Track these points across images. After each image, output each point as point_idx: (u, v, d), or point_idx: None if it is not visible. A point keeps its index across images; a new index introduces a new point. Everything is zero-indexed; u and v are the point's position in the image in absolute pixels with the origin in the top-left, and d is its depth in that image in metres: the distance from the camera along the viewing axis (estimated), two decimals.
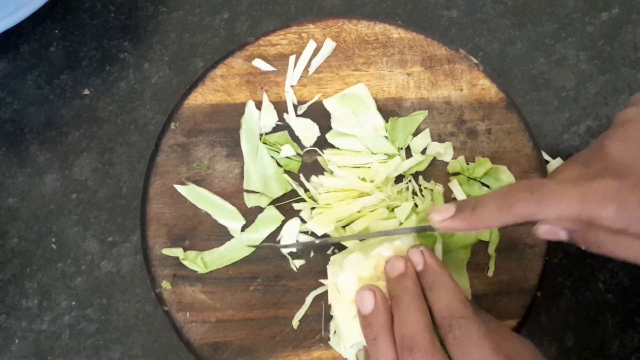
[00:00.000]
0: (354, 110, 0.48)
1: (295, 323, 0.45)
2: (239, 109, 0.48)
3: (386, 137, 0.48)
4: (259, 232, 0.46)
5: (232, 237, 0.47)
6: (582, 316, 0.47)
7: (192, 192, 0.47)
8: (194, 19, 0.53)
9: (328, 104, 0.48)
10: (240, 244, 0.46)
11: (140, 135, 0.51)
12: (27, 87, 0.51)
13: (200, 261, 0.46)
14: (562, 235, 0.37)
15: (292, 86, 0.49)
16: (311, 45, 0.49)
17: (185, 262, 0.45)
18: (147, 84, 0.52)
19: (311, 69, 0.49)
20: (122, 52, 0.52)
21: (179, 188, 0.47)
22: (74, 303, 0.48)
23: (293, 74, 0.49)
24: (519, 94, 0.51)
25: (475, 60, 0.49)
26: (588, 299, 0.48)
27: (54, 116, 0.51)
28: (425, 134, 0.48)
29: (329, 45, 0.49)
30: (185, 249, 0.46)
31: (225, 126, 0.48)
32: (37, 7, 0.47)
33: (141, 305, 0.48)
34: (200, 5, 0.53)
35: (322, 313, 0.45)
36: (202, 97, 0.49)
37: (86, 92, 0.51)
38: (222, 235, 0.47)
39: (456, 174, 0.48)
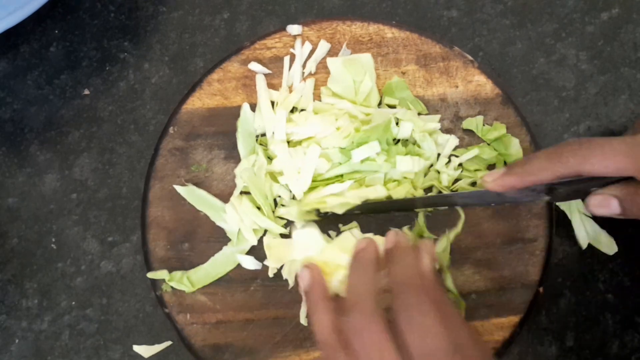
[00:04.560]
0: (353, 76, 0.48)
1: (303, 320, 0.45)
2: (236, 112, 0.48)
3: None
4: (241, 245, 0.46)
5: (230, 239, 0.46)
6: (582, 316, 0.47)
7: (191, 194, 0.47)
8: (194, 19, 0.53)
9: (331, 63, 0.48)
10: (225, 259, 0.46)
11: (140, 135, 0.51)
12: (27, 87, 0.51)
13: (186, 280, 0.45)
14: (614, 206, 0.38)
15: (288, 87, 0.49)
16: (306, 47, 0.49)
17: (171, 283, 0.45)
18: (147, 84, 0.52)
19: (306, 71, 0.49)
20: (122, 52, 0.52)
21: (178, 189, 0.47)
22: (74, 303, 0.48)
23: (289, 76, 0.49)
24: (519, 94, 0.51)
25: (469, 57, 0.49)
26: (588, 299, 0.48)
27: (54, 116, 0.51)
28: (435, 117, 0.48)
29: (323, 47, 0.49)
30: (185, 252, 0.46)
31: (222, 129, 0.48)
32: (37, 7, 0.47)
33: (141, 305, 0.48)
34: (200, 5, 0.53)
35: None
36: (199, 101, 0.49)
37: (86, 92, 0.51)
38: (221, 237, 0.47)
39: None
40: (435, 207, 0.46)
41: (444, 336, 0.33)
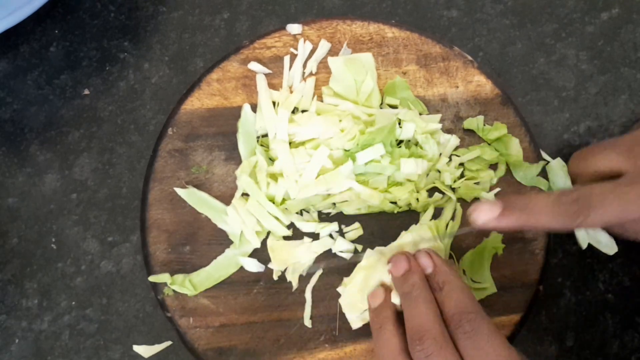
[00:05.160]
0: (354, 76, 0.48)
1: (307, 322, 0.45)
2: (236, 113, 0.48)
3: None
4: (244, 247, 0.46)
5: (233, 242, 0.46)
6: (582, 316, 0.47)
7: (191, 196, 0.47)
8: (194, 19, 0.53)
9: (332, 62, 0.48)
10: (228, 261, 0.46)
11: (140, 135, 0.51)
12: (27, 87, 0.51)
13: (188, 283, 0.45)
14: (599, 229, 0.38)
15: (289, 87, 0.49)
16: (307, 47, 0.49)
17: (173, 287, 0.45)
18: (147, 84, 0.52)
19: (307, 70, 0.49)
20: (122, 52, 0.52)
21: (178, 191, 0.47)
22: (74, 303, 0.48)
23: (289, 76, 0.49)
24: (519, 94, 0.51)
25: (469, 57, 0.49)
26: (588, 299, 0.48)
27: (54, 116, 0.51)
28: (436, 117, 0.48)
29: (323, 46, 0.49)
30: (186, 255, 0.46)
31: (222, 130, 0.48)
32: (37, 7, 0.47)
33: (141, 305, 0.48)
34: (200, 5, 0.53)
35: (325, 314, 0.45)
36: (198, 101, 0.49)
37: (86, 92, 0.51)
38: (222, 239, 0.47)
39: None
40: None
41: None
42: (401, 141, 0.47)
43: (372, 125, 0.46)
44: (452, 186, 0.47)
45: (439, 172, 0.47)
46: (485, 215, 0.37)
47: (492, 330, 0.35)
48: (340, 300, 0.44)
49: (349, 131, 0.46)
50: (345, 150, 0.46)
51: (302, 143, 0.47)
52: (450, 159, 0.47)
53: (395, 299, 0.40)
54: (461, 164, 0.47)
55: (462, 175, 0.48)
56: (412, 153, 0.46)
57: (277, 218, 0.46)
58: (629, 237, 0.38)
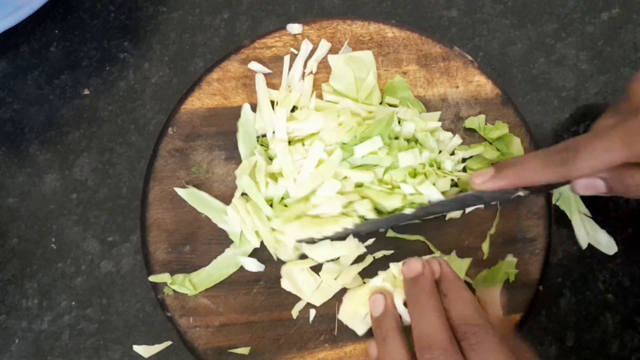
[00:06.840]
0: (355, 73, 0.48)
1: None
2: (236, 112, 0.48)
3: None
4: (244, 247, 0.46)
5: (233, 241, 0.46)
6: (582, 316, 0.47)
7: (191, 196, 0.47)
8: (194, 19, 0.53)
9: (332, 60, 0.48)
10: (228, 261, 0.46)
11: (140, 135, 0.51)
12: (27, 87, 0.51)
13: (188, 283, 0.45)
14: (600, 187, 0.39)
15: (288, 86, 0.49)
16: (307, 47, 0.49)
17: (173, 287, 0.45)
18: (147, 84, 0.52)
19: (307, 70, 0.49)
20: (122, 52, 0.52)
21: (178, 191, 0.47)
22: (74, 303, 0.48)
23: (289, 76, 0.49)
24: (519, 94, 0.51)
25: (469, 57, 0.49)
26: (588, 299, 0.48)
27: (54, 116, 0.51)
28: (436, 114, 0.48)
29: (324, 46, 0.49)
30: (186, 254, 0.46)
31: (223, 130, 0.48)
32: (37, 7, 0.47)
33: (141, 305, 0.48)
34: (200, 5, 0.53)
35: (325, 314, 0.45)
36: (199, 101, 0.49)
37: (86, 92, 0.51)
38: (222, 239, 0.47)
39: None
40: (423, 219, 0.46)
41: None
42: None
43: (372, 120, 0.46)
44: (456, 176, 0.47)
45: (436, 166, 0.47)
46: (481, 178, 0.42)
47: (497, 343, 0.35)
48: (340, 316, 0.44)
49: (347, 123, 0.46)
50: (344, 144, 0.46)
51: (302, 140, 0.47)
52: (453, 153, 0.47)
53: (400, 306, 0.40)
54: (463, 162, 0.47)
55: (464, 171, 0.47)
56: (410, 147, 0.46)
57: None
58: (634, 195, 0.39)
